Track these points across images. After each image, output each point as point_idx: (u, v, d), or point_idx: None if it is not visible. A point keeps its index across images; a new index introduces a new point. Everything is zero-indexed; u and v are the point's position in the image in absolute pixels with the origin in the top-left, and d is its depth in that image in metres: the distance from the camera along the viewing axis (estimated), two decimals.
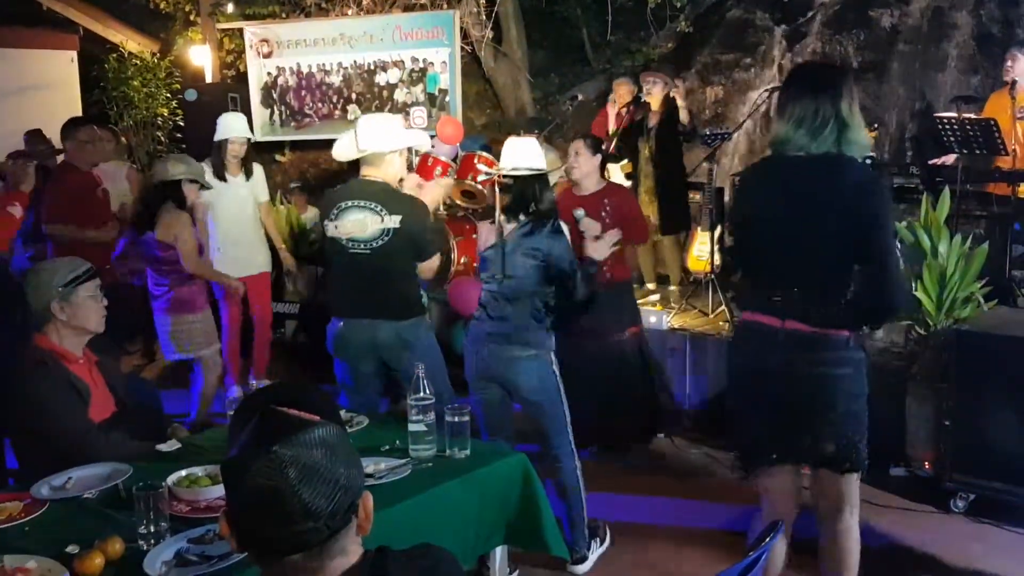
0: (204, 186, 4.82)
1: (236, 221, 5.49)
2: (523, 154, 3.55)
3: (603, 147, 4.79)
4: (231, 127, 5.44)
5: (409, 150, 4.48)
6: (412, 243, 3.73)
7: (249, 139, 5.57)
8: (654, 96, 6.24)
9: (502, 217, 3.56)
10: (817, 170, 2.67)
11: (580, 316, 3.89)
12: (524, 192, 3.53)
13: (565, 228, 3.56)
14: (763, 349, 2.73)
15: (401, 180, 3.95)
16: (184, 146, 8.42)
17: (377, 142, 3.70)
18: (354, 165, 3.89)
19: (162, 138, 8.83)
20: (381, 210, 3.67)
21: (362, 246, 3.70)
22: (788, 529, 2.91)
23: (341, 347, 3.84)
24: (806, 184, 2.67)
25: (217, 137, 5.40)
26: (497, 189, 3.62)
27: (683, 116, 6.31)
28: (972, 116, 5.68)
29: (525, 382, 3.53)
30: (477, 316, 3.64)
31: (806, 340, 2.67)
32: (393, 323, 3.72)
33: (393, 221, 3.66)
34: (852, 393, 2.75)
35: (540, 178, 3.56)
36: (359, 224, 3.68)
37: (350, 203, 3.70)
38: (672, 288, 6.48)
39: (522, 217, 3.52)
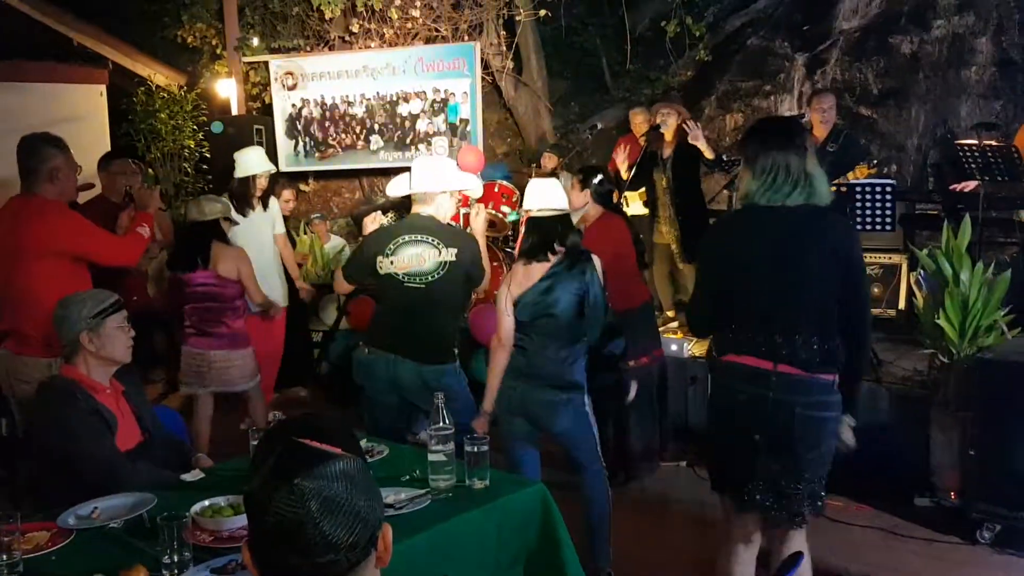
0: (234, 222, 4.91)
1: (259, 254, 5.50)
2: (546, 194, 3.60)
3: (614, 179, 4.81)
4: (256, 163, 5.53)
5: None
6: (466, 275, 3.87)
7: (271, 171, 5.66)
8: (668, 127, 6.26)
9: (522, 259, 3.58)
10: (799, 218, 2.75)
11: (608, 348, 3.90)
12: (549, 232, 3.56)
13: (597, 261, 3.60)
14: (754, 390, 2.74)
15: None
16: (210, 177, 8.54)
17: (428, 183, 3.85)
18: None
19: (188, 169, 8.95)
20: (438, 243, 3.82)
21: (418, 280, 3.81)
22: (755, 552, 2.95)
23: (365, 378, 3.92)
24: (790, 231, 2.75)
25: (241, 173, 5.47)
26: (522, 229, 3.64)
27: (706, 151, 6.13)
28: (993, 143, 5.67)
29: (557, 424, 3.56)
30: (514, 353, 3.60)
31: (797, 383, 2.71)
32: (418, 366, 3.80)
33: (450, 254, 3.81)
34: (833, 434, 2.79)
35: (563, 218, 3.61)
36: (418, 258, 3.81)
37: (407, 238, 3.82)
38: None
39: (551, 256, 3.53)
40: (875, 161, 6.38)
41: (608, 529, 3.69)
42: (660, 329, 6.29)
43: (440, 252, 3.81)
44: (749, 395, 2.74)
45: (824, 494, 2.82)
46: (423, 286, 3.81)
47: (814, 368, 2.71)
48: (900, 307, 6.20)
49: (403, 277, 3.81)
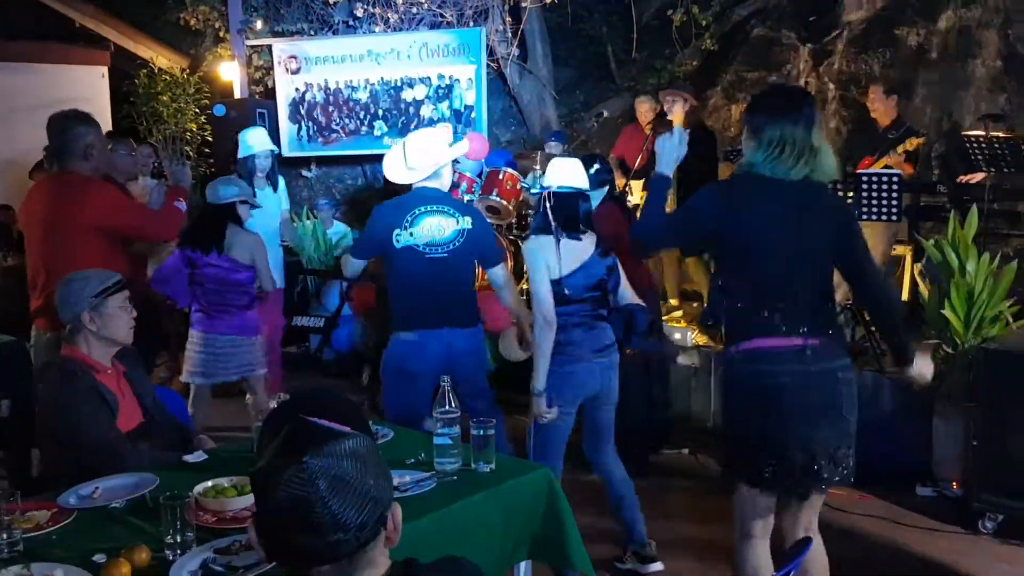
0: (254, 205, 4.86)
1: (266, 233, 5.49)
2: (570, 172, 3.62)
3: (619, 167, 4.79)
4: (254, 142, 5.52)
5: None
6: (481, 246, 3.87)
7: (273, 151, 5.64)
8: (675, 113, 6.22)
9: (555, 235, 3.53)
10: (805, 194, 2.71)
11: None
12: (576, 209, 3.57)
13: None
14: (794, 368, 2.68)
15: None
16: (212, 160, 8.51)
17: (428, 159, 3.82)
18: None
19: (191, 153, 8.93)
20: (454, 212, 3.82)
21: (440, 250, 3.78)
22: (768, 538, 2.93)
23: (415, 360, 3.77)
24: (799, 207, 2.70)
25: (242, 154, 5.47)
26: (549, 205, 3.59)
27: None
28: (1000, 134, 5.65)
29: (616, 385, 3.67)
30: (575, 340, 3.54)
31: (828, 352, 2.71)
32: (467, 331, 3.82)
33: (466, 222, 3.82)
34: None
35: (585, 197, 3.64)
36: (438, 227, 3.79)
37: (423, 208, 3.79)
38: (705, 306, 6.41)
39: (582, 233, 3.56)
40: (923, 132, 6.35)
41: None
42: (664, 318, 6.29)
43: (457, 221, 3.81)
44: (792, 374, 2.68)
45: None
46: (446, 255, 3.79)
47: (833, 336, 2.75)
48: (905, 298, 6.19)
49: (425, 248, 3.76)
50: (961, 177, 5.78)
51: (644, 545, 3.80)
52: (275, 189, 5.66)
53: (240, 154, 5.49)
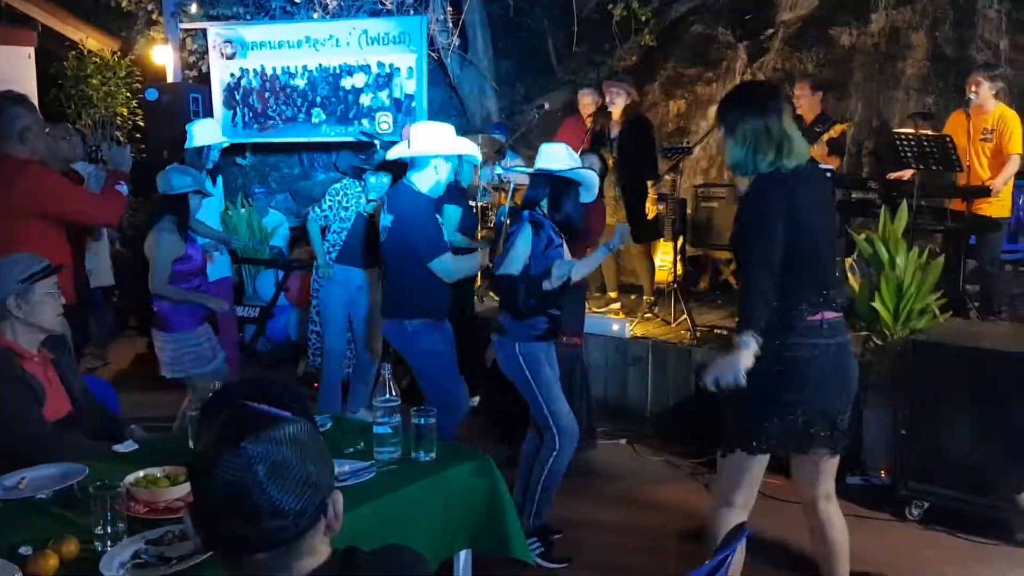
0: (206, 195, 4.70)
1: (213, 224, 5.55)
2: (559, 157, 3.74)
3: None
4: (212, 133, 5.42)
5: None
6: (404, 243, 4.03)
7: (222, 143, 5.56)
8: (616, 106, 6.26)
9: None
10: (815, 180, 2.95)
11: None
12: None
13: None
14: (829, 339, 2.85)
15: None
16: (144, 146, 8.29)
17: (426, 146, 3.96)
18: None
19: (121, 138, 8.69)
20: (387, 205, 4.06)
21: (384, 234, 4.10)
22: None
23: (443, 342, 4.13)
24: (818, 192, 2.94)
25: (198, 143, 5.31)
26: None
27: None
28: (929, 132, 5.81)
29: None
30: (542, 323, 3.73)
31: (844, 324, 2.94)
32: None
33: (387, 219, 4.02)
34: None
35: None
36: (383, 216, 4.07)
37: (384, 198, 4.19)
38: (646, 298, 6.44)
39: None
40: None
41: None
42: (603, 310, 6.34)
43: (385, 214, 3.99)
44: (814, 346, 2.84)
45: None
46: (383, 242, 4.09)
47: (843, 312, 2.95)
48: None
49: (382, 231, 4.07)
50: (891, 174, 5.93)
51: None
52: (214, 183, 5.56)
53: (192, 144, 5.32)
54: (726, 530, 2.88)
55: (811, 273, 2.85)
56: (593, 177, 3.80)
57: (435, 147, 3.96)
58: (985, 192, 5.48)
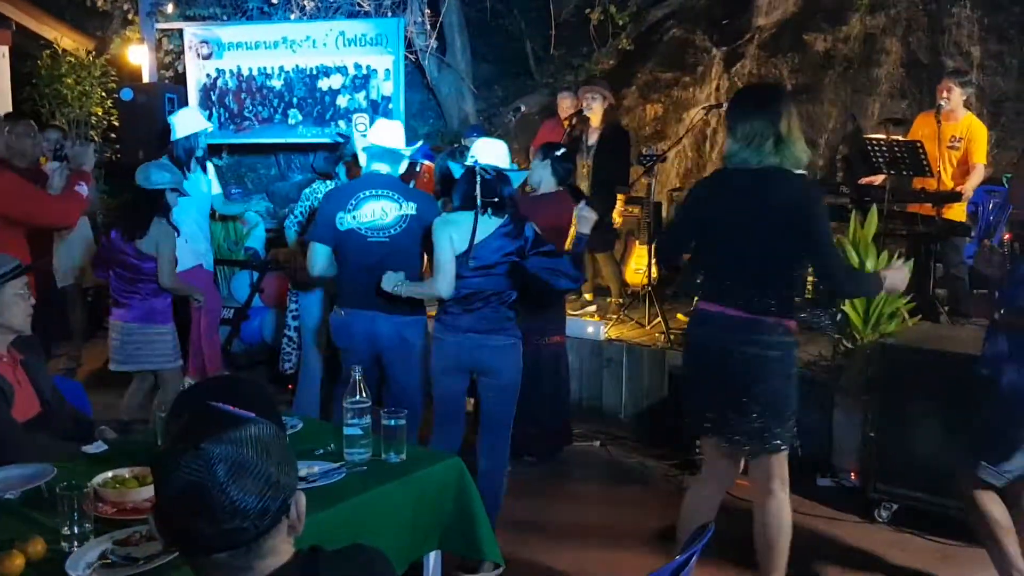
0: (182, 193, 4.69)
1: (201, 215, 5.47)
2: (495, 153, 3.73)
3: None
4: (196, 122, 5.38)
5: None
6: (426, 233, 3.88)
7: (207, 130, 5.55)
8: (594, 112, 6.28)
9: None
10: (759, 180, 3.01)
11: None
12: (499, 188, 3.64)
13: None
14: (709, 330, 3.10)
15: None
16: (119, 146, 8.24)
17: (391, 139, 4.01)
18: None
19: (96, 137, 8.63)
20: (398, 197, 3.92)
21: (382, 234, 3.90)
22: (724, 485, 3.35)
23: (340, 337, 4.01)
24: (751, 192, 3.02)
25: (182, 133, 5.26)
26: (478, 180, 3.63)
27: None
28: (900, 138, 5.88)
29: (502, 368, 3.74)
30: (451, 312, 3.67)
31: (743, 324, 3.00)
32: (392, 317, 3.88)
33: (410, 208, 3.91)
34: (779, 373, 3.05)
35: (507, 177, 3.73)
36: (381, 212, 3.91)
37: (367, 192, 3.93)
38: (611, 300, 6.51)
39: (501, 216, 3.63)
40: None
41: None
42: (578, 312, 6.36)
43: (400, 206, 3.91)
44: (705, 333, 3.12)
45: (778, 435, 3.10)
46: (387, 240, 3.90)
47: (760, 311, 2.99)
48: (808, 295, 6.38)
49: (366, 231, 3.90)
50: (863, 179, 5.99)
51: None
52: (204, 170, 5.51)
53: (176, 135, 5.27)
54: (688, 497, 3.37)
55: (710, 268, 3.16)
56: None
57: (400, 141, 4.07)
58: (956, 197, 5.56)
